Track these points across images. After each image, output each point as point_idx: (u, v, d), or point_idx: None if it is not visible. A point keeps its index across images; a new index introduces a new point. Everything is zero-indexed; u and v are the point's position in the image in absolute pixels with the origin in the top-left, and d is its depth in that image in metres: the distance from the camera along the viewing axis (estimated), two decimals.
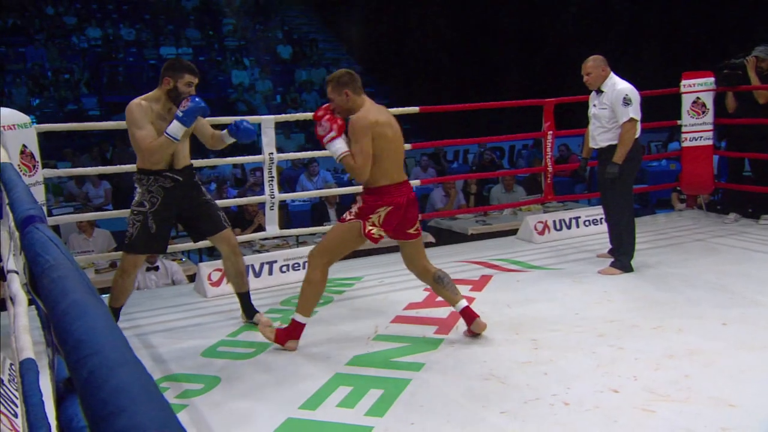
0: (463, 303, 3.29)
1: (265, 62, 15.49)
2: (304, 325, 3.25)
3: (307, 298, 3.21)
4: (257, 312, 3.70)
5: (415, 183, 6.37)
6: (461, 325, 3.46)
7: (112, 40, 14.83)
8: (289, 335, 3.24)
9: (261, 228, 5.84)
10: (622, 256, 4.31)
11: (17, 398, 2.53)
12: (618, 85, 4.20)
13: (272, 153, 4.70)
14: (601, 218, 5.62)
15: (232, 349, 3.33)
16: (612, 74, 4.28)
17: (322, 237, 3.43)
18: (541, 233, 5.37)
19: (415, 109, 5.37)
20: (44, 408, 1.36)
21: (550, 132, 5.59)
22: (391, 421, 2.45)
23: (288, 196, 5.80)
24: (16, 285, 1.92)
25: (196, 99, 3.21)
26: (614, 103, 4.17)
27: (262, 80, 14.72)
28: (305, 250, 4.74)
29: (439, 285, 3.30)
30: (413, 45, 15.67)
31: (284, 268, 4.55)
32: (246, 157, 5.81)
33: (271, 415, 2.54)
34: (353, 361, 3.05)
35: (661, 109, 6.15)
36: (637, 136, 4.20)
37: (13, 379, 2.69)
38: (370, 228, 3.17)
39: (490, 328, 3.38)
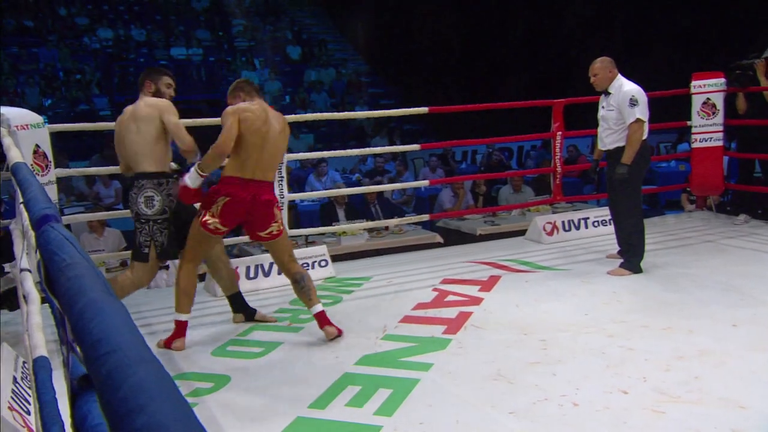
0: (318, 308, 3.36)
1: (275, 63, 15.53)
2: (186, 322, 3.40)
3: (179, 298, 3.36)
4: (256, 310, 3.77)
5: (423, 183, 6.43)
6: (470, 325, 3.47)
7: (123, 41, 14.92)
8: (174, 337, 3.38)
9: None
10: (632, 258, 4.30)
11: (30, 396, 2.56)
12: (625, 87, 4.20)
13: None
14: (611, 219, 5.62)
15: (241, 349, 3.35)
16: (619, 76, 4.28)
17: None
18: (550, 234, 5.37)
19: (424, 110, 5.38)
20: (57, 405, 1.37)
21: (560, 133, 5.58)
22: (400, 420, 2.46)
23: (297, 196, 5.82)
24: (29, 283, 1.94)
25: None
26: (621, 104, 4.18)
27: (271, 80, 14.75)
28: (315, 250, 4.77)
29: (297, 286, 3.38)
30: (421, 46, 15.66)
31: None
32: None
33: (280, 414, 2.56)
34: (362, 360, 3.07)
35: (670, 110, 6.12)
36: (644, 137, 4.20)
37: (26, 377, 2.72)
38: (207, 218, 3.23)
39: (499, 329, 3.39)
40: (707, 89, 5.78)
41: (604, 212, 5.66)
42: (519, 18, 14.74)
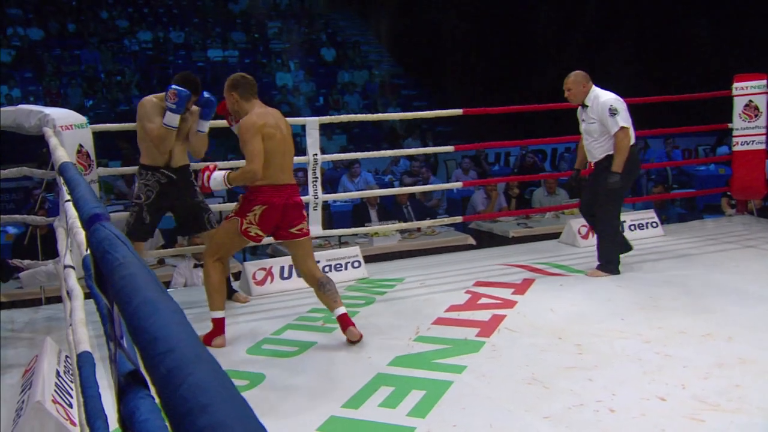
0: (342, 310, 3.38)
1: (309, 64, 15.66)
2: (223, 318, 3.45)
3: (211, 296, 3.42)
4: (236, 291, 4.27)
5: (456, 185, 6.40)
6: (503, 328, 3.45)
7: (162, 43, 15.22)
8: (213, 334, 3.42)
9: None
10: (608, 264, 4.34)
11: (72, 389, 2.63)
12: (601, 97, 4.21)
13: (316, 154, 4.76)
14: (647, 222, 5.53)
15: (276, 347, 3.38)
16: (594, 87, 4.29)
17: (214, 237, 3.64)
18: (585, 237, 5.30)
19: (458, 112, 5.37)
20: (101, 400, 1.41)
21: None
22: (434, 422, 2.46)
23: (331, 197, 5.85)
24: (73, 280, 1.99)
25: (181, 89, 3.52)
26: (601, 115, 4.19)
27: (305, 82, 14.88)
28: (348, 251, 4.80)
29: (322, 290, 3.40)
30: (454, 47, 15.61)
31: (326, 268, 4.60)
32: None
33: (314, 413, 2.57)
34: (395, 361, 3.07)
35: (709, 112, 5.99)
36: (632, 143, 4.19)
37: (69, 371, 2.79)
38: (247, 226, 3.32)
39: (533, 332, 3.36)
40: (750, 91, 5.65)
41: (641, 215, 5.58)
42: (551, 20, 14.59)
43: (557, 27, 14.46)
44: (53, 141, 2.58)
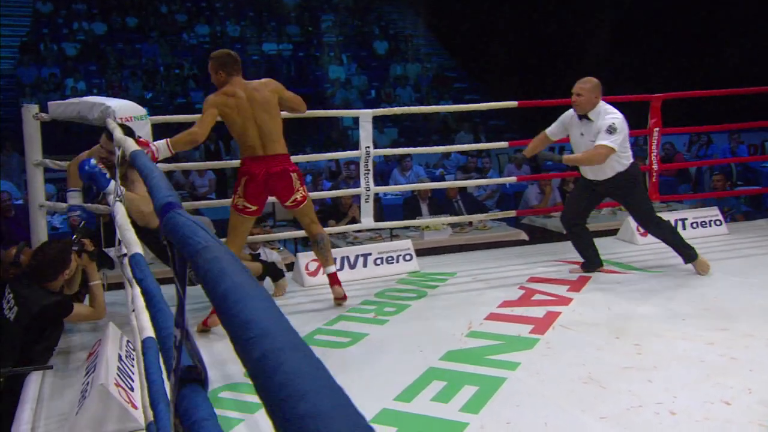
0: (333, 269, 3.81)
1: (362, 57, 15.70)
2: None
3: None
4: None
5: (510, 180, 6.31)
6: (558, 325, 3.38)
7: (219, 37, 15.52)
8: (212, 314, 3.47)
9: (355, 220, 5.94)
10: (688, 253, 4.19)
11: (133, 373, 2.71)
12: (608, 114, 3.93)
13: (369, 147, 4.76)
14: (711, 220, 5.33)
15: (328, 338, 3.41)
16: (602, 102, 3.97)
17: None
18: (644, 234, 5.13)
19: (513, 104, 5.29)
20: (164, 385, 1.44)
21: (657, 129, 5.33)
22: (487, 418, 2.43)
23: (382, 189, 5.86)
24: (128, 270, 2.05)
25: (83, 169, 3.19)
26: (600, 129, 3.90)
27: (358, 75, 14.93)
28: (400, 244, 4.80)
29: (316, 246, 3.78)
30: (507, 40, 15.38)
31: (378, 261, 4.61)
32: (343, 152, 6.02)
33: (366, 405, 2.58)
34: (447, 356, 3.05)
35: None
36: (631, 161, 4.03)
37: (130, 355, 2.87)
38: (236, 201, 3.51)
39: (589, 330, 3.28)
40: None
41: (703, 213, 5.39)
42: (605, 13, 14.20)
43: (612, 19, 14.07)
44: (118, 133, 2.65)
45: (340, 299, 3.81)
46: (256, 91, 3.53)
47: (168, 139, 3.44)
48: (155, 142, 3.44)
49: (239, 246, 3.67)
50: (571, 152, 4.26)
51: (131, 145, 2.01)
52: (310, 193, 3.93)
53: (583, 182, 4.28)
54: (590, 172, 4.14)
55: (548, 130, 4.32)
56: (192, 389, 0.96)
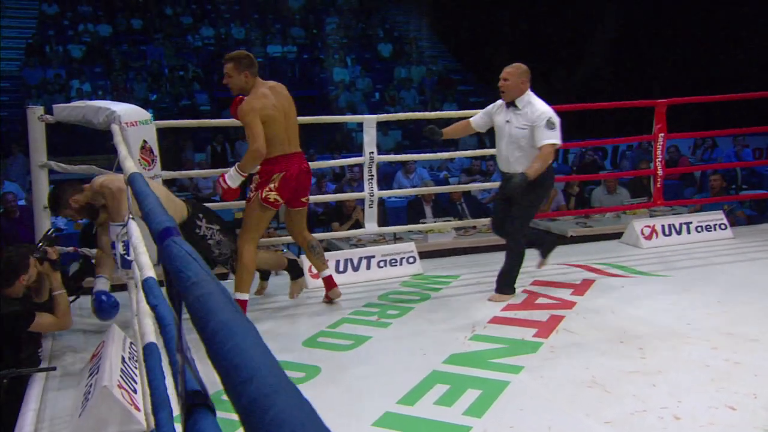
0: (327, 272, 3.96)
1: (366, 60, 15.71)
2: (246, 301, 3.67)
3: (240, 278, 3.64)
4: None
5: None
6: (562, 329, 3.37)
7: (223, 39, 15.55)
8: None
9: (358, 222, 5.94)
10: (505, 286, 3.92)
11: (136, 375, 2.71)
12: (538, 106, 3.77)
13: (373, 152, 4.76)
14: (715, 224, 5.31)
15: (331, 340, 3.40)
16: (530, 91, 3.84)
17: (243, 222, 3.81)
18: (648, 238, 5.13)
19: None
20: (167, 390, 1.43)
21: (662, 135, 5.32)
22: (490, 422, 2.42)
23: (386, 194, 5.85)
24: (138, 273, 2.05)
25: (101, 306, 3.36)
26: (535, 124, 3.72)
27: (362, 78, 14.93)
28: (403, 247, 4.79)
29: (312, 251, 3.92)
30: (511, 43, 15.37)
31: (382, 264, 4.60)
32: (347, 159, 6.03)
33: (369, 408, 2.58)
34: (450, 359, 3.04)
35: None
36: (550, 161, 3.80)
37: (133, 357, 2.87)
38: (267, 194, 3.57)
39: (593, 334, 3.27)
40: None
41: (709, 217, 5.36)
42: (611, 17, 14.19)
43: (616, 23, 14.06)
44: (123, 151, 2.66)
45: (333, 298, 3.98)
46: (279, 88, 3.67)
47: (236, 165, 3.57)
48: (226, 173, 3.58)
49: (258, 239, 3.74)
50: (493, 141, 4.06)
51: (130, 167, 2.02)
52: (314, 196, 3.98)
53: (500, 186, 4.12)
54: (507, 166, 3.90)
55: (473, 120, 4.16)
56: (201, 414, 0.95)
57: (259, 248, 3.94)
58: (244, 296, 3.65)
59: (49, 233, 3.48)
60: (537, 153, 3.74)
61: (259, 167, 3.62)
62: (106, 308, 3.36)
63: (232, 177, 3.54)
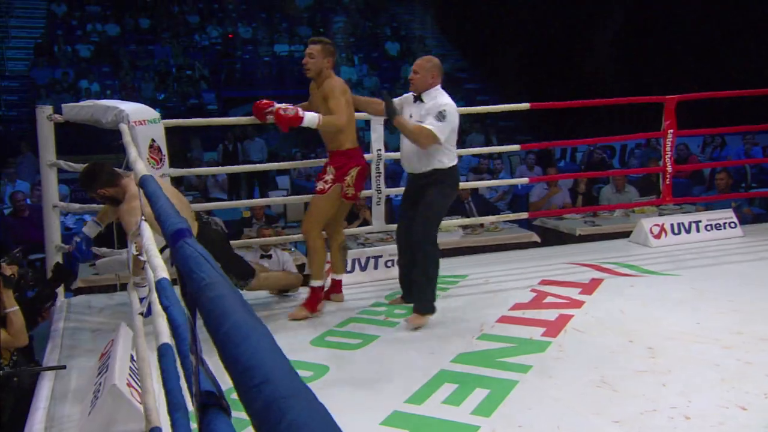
0: (340, 277, 3.99)
1: (373, 59, 15.70)
2: (323, 287, 3.78)
3: (318, 265, 3.73)
4: None
5: (522, 181, 6.28)
6: (570, 328, 3.36)
7: (231, 38, 15.59)
8: (315, 301, 3.72)
9: (366, 221, 5.93)
10: (425, 303, 3.52)
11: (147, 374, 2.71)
12: (440, 99, 3.54)
13: (380, 150, 4.75)
14: (725, 222, 5.27)
15: (339, 339, 3.40)
16: (439, 87, 3.60)
17: (308, 211, 3.85)
18: (657, 237, 5.10)
19: (525, 106, 5.25)
20: (182, 392, 1.42)
21: (671, 131, 5.28)
22: (498, 422, 2.41)
23: (393, 191, 5.84)
24: (151, 273, 2.05)
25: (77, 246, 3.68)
26: (429, 114, 3.50)
27: (369, 76, 14.94)
28: None
29: (343, 252, 3.98)
30: (518, 40, 15.33)
31: (389, 263, 4.58)
32: None
33: (378, 407, 2.57)
34: (458, 358, 3.04)
35: None
36: (454, 163, 3.59)
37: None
38: (346, 189, 3.66)
39: (602, 334, 3.26)
40: None
41: (718, 215, 5.33)
42: (619, 13, 14.12)
43: (624, 21, 13.99)
44: (133, 153, 2.66)
45: (339, 301, 3.99)
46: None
47: (320, 115, 3.58)
48: (306, 112, 3.57)
49: (321, 230, 3.81)
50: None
51: (141, 169, 2.02)
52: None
53: (405, 189, 3.91)
54: (408, 164, 3.69)
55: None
56: (215, 415, 0.95)
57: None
58: (319, 283, 3.74)
59: (16, 252, 3.45)
60: (437, 147, 3.51)
61: (330, 157, 3.72)
62: (79, 253, 3.71)
63: (311, 118, 3.54)
